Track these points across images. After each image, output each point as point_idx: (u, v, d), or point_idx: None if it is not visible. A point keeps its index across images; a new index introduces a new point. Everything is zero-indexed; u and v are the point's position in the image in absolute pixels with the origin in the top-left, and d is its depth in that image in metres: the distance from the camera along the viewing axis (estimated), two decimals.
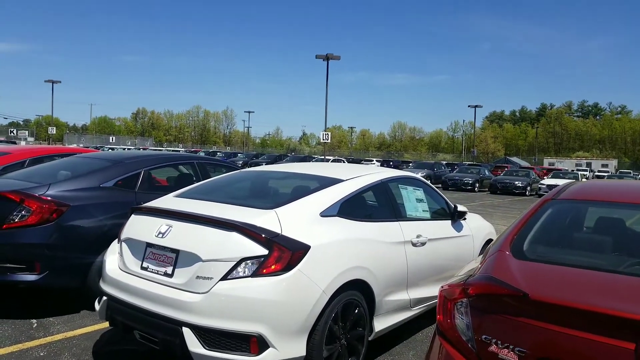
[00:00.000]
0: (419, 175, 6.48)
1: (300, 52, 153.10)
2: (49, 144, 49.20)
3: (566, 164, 67.82)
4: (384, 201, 4.09)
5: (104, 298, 3.37)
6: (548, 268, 2.18)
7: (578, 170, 43.25)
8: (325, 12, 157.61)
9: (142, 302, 3.10)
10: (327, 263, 3.14)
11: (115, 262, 3.48)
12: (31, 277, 4.12)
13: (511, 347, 1.85)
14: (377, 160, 46.94)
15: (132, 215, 3.58)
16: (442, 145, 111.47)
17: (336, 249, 3.26)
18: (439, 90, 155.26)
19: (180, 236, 3.13)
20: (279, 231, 3.03)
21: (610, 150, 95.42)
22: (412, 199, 4.47)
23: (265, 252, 2.93)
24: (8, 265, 4.10)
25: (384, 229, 3.83)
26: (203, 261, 2.95)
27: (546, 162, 75.97)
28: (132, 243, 3.39)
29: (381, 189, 4.11)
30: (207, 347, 2.85)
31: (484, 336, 1.94)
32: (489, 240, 5.63)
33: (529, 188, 26.79)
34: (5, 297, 4.84)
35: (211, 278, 2.91)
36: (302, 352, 2.97)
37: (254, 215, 3.15)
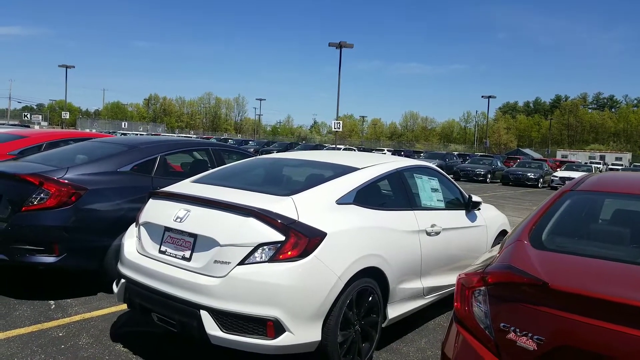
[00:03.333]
0: None
1: (312, 40, 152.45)
2: (62, 128, 49.65)
3: (579, 157, 67.01)
4: (399, 190, 4.09)
5: (122, 281, 3.43)
6: (567, 258, 2.18)
7: (591, 163, 42.75)
8: (338, 0, 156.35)
9: (160, 285, 3.15)
10: (343, 250, 3.16)
11: (134, 245, 3.53)
12: (50, 259, 4.20)
13: (530, 335, 1.86)
14: (388, 150, 46.75)
15: (150, 199, 3.62)
16: (454, 136, 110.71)
17: (352, 236, 3.28)
18: (452, 81, 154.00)
19: (199, 221, 3.16)
20: (295, 218, 3.05)
21: (625, 144, 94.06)
22: (426, 188, 4.46)
23: (282, 238, 2.95)
24: (27, 247, 4.17)
25: (399, 217, 3.83)
26: (221, 246, 2.98)
27: (559, 154, 75.14)
28: (150, 227, 3.44)
29: (396, 177, 4.11)
30: (224, 330, 2.89)
31: (502, 324, 1.95)
32: (503, 231, 5.62)
33: (541, 180, 26.57)
34: (23, 278, 4.94)
35: (229, 262, 2.95)
36: (318, 336, 3.01)
37: (271, 201, 3.17)
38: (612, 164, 59.16)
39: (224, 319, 2.90)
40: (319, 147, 38.48)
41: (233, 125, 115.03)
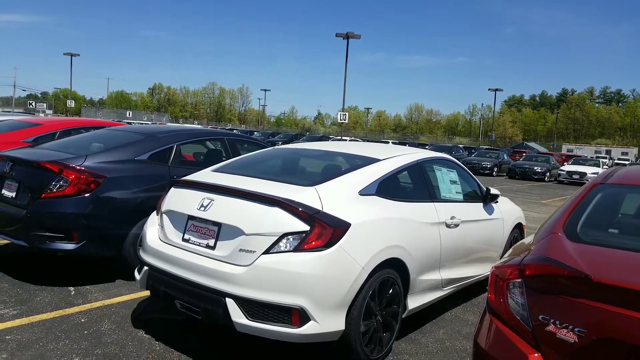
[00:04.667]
0: None
1: (317, 31, 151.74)
2: (67, 116, 49.77)
3: (585, 151, 66.67)
4: (420, 182, 4.08)
5: (145, 268, 3.44)
6: (605, 251, 2.17)
7: (598, 157, 42.53)
8: None
9: (184, 272, 3.16)
10: (367, 241, 3.16)
11: (156, 233, 3.54)
12: (69, 246, 4.22)
13: (570, 327, 1.85)
14: (392, 142, 46.64)
15: (172, 188, 3.63)
16: (459, 129, 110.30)
17: (375, 227, 3.28)
18: (457, 73, 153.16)
19: (223, 210, 3.17)
20: (320, 208, 3.05)
21: (632, 138, 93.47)
22: (446, 180, 4.45)
23: (306, 228, 2.95)
24: (47, 233, 4.19)
25: (420, 209, 3.83)
26: (246, 235, 2.99)
27: (565, 148, 74.71)
28: (173, 215, 3.44)
29: (417, 169, 4.10)
30: (249, 318, 2.91)
31: (541, 316, 1.94)
32: (518, 224, 5.61)
33: (548, 174, 26.45)
34: (42, 264, 4.97)
35: (254, 251, 2.95)
36: (342, 326, 3.02)
37: (295, 191, 3.17)
38: (619, 159, 58.79)
39: (250, 306, 2.91)
40: (323, 138, 38.41)
41: (237, 116, 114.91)
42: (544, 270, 2.00)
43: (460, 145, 46.41)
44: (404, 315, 3.65)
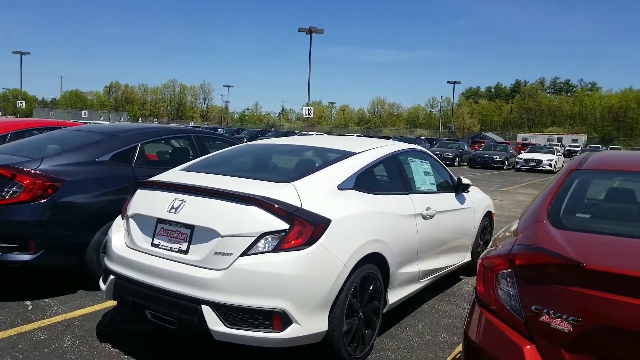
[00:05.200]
0: None
1: (279, 25, 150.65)
2: (17, 118, 47.34)
3: (538, 139, 69.18)
4: (396, 174, 4.01)
5: (111, 277, 3.22)
6: (591, 237, 2.15)
7: (550, 145, 44.12)
8: None
9: (155, 280, 2.96)
10: (347, 237, 3.06)
11: (122, 239, 3.32)
12: (25, 257, 3.92)
13: (564, 316, 1.81)
14: (357, 136, 46.90)
15: (139, 190, 3.41)
16: (419, 121, 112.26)
17: (355, 222, 3.18)
18: (417, 67, 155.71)
19: (195, 211, 2.99)
20: (299, 205, 2.92)
21: (581, 126, 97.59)
22: (420, 171, 4.41)
23: (286, 226, 2.82)
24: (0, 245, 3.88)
25: (397, 202, 3.76)
26: (222, 237, 2.82)
27: (519, 137, 77.34)
28: (140, 219, 3.23)
29: (392, 162, 4.03)
30: (228, 325, 2.75)
31: (533, 306, 1.89)
32: (488, 213, 5.67)
33: (506, 162, 27.23)
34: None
35: (231, 254, 2.79)
36: (325, 326, 2.91)
37: (271, 188, 3.02)
38: (570, 146, 61.35)
39: (228, 313, 2.76)
40: (289, 133, 38.23)
41: (199, 113, 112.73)
42: (534, 259, 1.96)
43: (423, 137, 47.20)
44: (384, 310, 3.58)
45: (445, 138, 47.46)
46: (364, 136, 45.17)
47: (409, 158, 4.34)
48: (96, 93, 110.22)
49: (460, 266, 4.95)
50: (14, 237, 3.88)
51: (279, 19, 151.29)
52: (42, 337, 3.43)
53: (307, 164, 3.79)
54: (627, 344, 1.74)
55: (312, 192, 3.09)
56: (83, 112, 59.78)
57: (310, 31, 30.05)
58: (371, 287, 3.30)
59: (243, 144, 4.63)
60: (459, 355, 3.48)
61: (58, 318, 3.77)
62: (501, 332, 1.96)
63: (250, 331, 2.75)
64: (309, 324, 2.82)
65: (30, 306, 3.98)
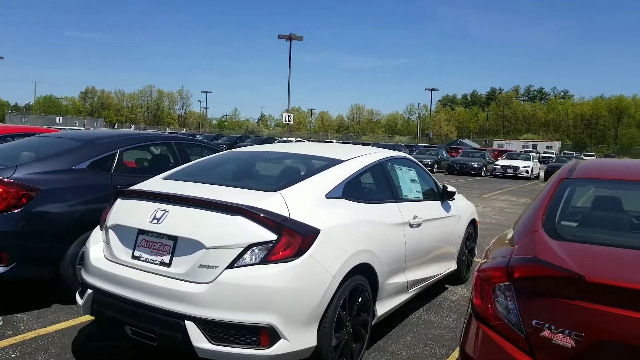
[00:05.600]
0: None
1: (258, 31, 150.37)
2: None
3: (514, 146, 70.49)
4: (383, 182, 3.96)
5: (89, 291, 3.06)
6: (590, 248, 2.11)
7: (526, 151, 44.94)
8: None
9: (136, 294, 2.83)
10: (337, 247, 2.98)
11: (101, 250, 3.17)
12: None
13: (567, 331, 1.76)
14: (337, 142, 46.97)
15: (119, 199, 3.27)
16: (398, 128, 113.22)
17: (344, 232, 3.10)
18: (395, 74, 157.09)
19: (179, 222, 2.87)
20: (287, 214, 2.83)
21: (555, 133, 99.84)
22: (406, 179, 4.37)
23: (274, 237, 2.72)
24: None
25: (385, 210, 3.70)
26: (207, 248, 2.71)
27: (495, 143, 78.60)
28: (120, 230, 3.09)
29: (379, 169, 3.97)
30: (213, 342, 2.63)
31: (534, 321, 1.84)
32: (473, 220, 5.66)
33: (484, 169, 27.58)
34: None
35: (216, 267, 2.68)
36: (313, 342, 2.82)
37: (258, 197, 2.93)
38: (544, 152, 62.61)
39: (213, 329, 2.64)
40: (268, 140, 38.01)
41: (177, 119, 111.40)
42: (534, 271, 1.90)
43: (402, 144, 47.54)
44: (373, 323, 3.50)
45: (423, 145, 47.88)
46: (344, 142, 45.39)
47: (395, 165, 4.29)
48: (71, 99, 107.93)
49: (446, 275, 4.92)
50: None
51: (258, 26, 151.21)
52: (13, 356, 3.25)
53: (293, 172, 3.70)
54: (632, 359, 1.69)
55: (300, 201, 3.00)
56: (57, 118, 58.36)
57: (290, 38, 30.06)
58: (360, 299, 3.23)
59: (226, 151, 4.51)
60: None
61: (31, 334, 3.58)
62: (501, 349, 1.90)
63: (237, 348, 2.63)
64: (298, 339, 2.73)
65: (1, 322, 3.77)
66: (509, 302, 1.94)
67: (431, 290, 4.94)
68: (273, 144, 4.90)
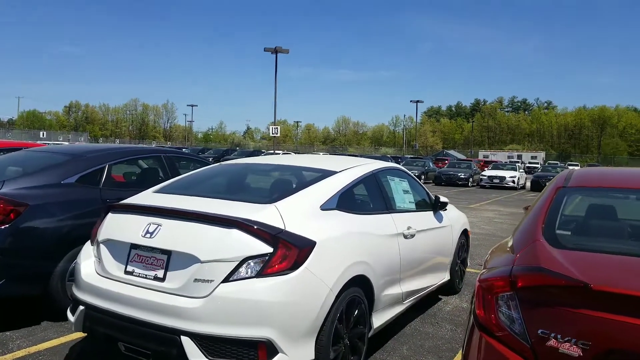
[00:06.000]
0: None
1: (244, 45, 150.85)
2: None
3: (499, 156, 71.10)
4: (376, 193, 3.96)
5: (81, 307, 3.00)
6: (592, 256, 2.13)
7: (511, 162, 45.46)
8: (269, 6, 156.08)
9: (129, 310, 2.78)
10: (333, 259, 2.96)
11: (92, 266, 3.11)
12: None
13: (573, 340, 1.76)
14: (323, 154, 47.07)
15: (110, 213, 3.22)
16: (384, 139, 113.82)
17: (340, 244, 3.09)
18: (380, 86, 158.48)
19: (172, 235, 2.83)
20: (282, 227, 2.82)
21: (539, 143, 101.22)
22: (399, 190, 4.37)
23: (269, 250, 2.70)
24: None
25: (379, 221, 3.70)
26: (202, 262, 2.68)
27: (481, 154, 79.30)
28: (112, 245, 3.04)
29: (372, 180, 3.98)
30: (209, 357, 2.59)
31: (540, 330, 1.84)
32: (464, 230, 5.68)
33: (471, 179, 27.80)
34: None
35: (211, 280, 2.65)
36: (311, 355, 2.79)
37: (253, 210, 2.90)
38: (529, 162, 63.34)
39: (209, 344, 2.60)
40: (255, 153, 37.94)
41: (162, 133, 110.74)
42: (538, 281, 1.91)
43: (388, 155, 47.82)
44: (369, 335, 3.48)
45: (409, 156, 48.22)
46: (331, 154, 45.53)
47: (388, 176, 4.30)
48: (55, 113, 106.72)
49: (440, 286, 4.92)
50: None
51: (243, 39, 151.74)
52: None
53: (287, 183, 3.69)
54: None
55: (295, 213, 2.99)
56: (41, 133, 57.58)
57: (276, 51, 30.20)
58: (357, 312, 3.21)
59: (217, 164, 4.49)
60: None
61: (21, 353, 3.48)
62: (504, 358, 1.89)
63: None
64: (296, 353, 2.70)
65: None
66: (513, 311, 1.94)
67: (425, 302, 4.93)
68: (264, 156, 4.89)
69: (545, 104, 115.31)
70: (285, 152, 40.87)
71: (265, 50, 30.43)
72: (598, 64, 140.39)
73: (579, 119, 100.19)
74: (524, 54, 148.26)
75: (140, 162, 5.37)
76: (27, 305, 4.19)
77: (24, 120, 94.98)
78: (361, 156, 36.77)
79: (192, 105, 78.96)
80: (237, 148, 61.30)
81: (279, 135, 30.65)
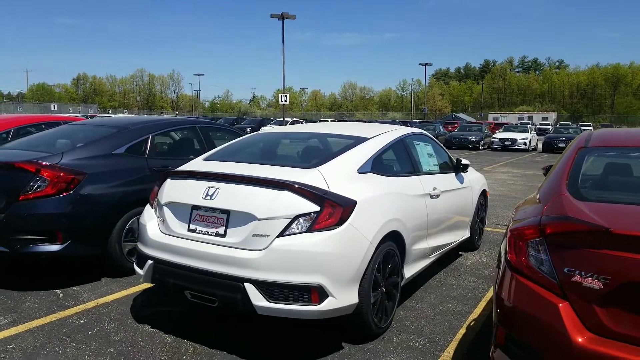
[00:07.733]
0: None
1: (247, 12, 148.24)
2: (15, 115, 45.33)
3: (509, 118, 70.39)
4: (405, 157, 4.27)
5: (149, 262, 3.39)
6: (613, 207, 2.45)
7: (522, 123, 45.14)
8: None
9: (195, 262, 3.16)
10: (371, 217, 3.31)
11: (156, 226, 3.49)
12: (54, 248, 4.05)
13: (595, 276, 2.10)
14: (331, 121, 47.00)
15: (169, 179, 3.57)
16: (391, 104, 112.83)
17: (376, 203, 3.43)
18: (386, 49, 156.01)
19: (231, 197, 3.18)
20: (327, 188, 3.15)
21: (550, 104, 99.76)
22: (424, 154, 4.68)
23: (317, 208, 3.05)
24: (29, 237, 4.00)
25: (408, 183, 4.03)
26: (259, 220, 3.04)
27: (490, 117, 78.41)
28: (175, 207, 3.41)
29: (401, 145, 4.28)
30: (270, 300, 2.98)
31: (566, 269, 2.17)
32: (483, 191, 6.00)
33: (482, 142, 27.82)
34: (14, 269, 4.72)
35: (268, 235, 3.02)
36: (356, 299, 3.17)
37: (299, 174, 3.24)
38: (540, 124, 62.66)
39: (269, 289, 2.98)
40: (264, 121, 38.06)
41: (169, 103, 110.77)
42: (565, 227, 2.23)
43: (397, 120, 47.60)
44: (402, 284, 3.86)
45: (418, 120, 47.95)
46: (337, 121, 45.39)
47: (414, 141, 4.60)
48: (64, 85, 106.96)
49: (460, 243, 5.28)
50: (42, 229, 4.01)
51: (246, 6, 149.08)
52: (82, 322, 3.60)
53: (324, 150, 4.01)
54: None
55: (336, 176, 3.32)
56: (52, 106, 57.84)
57: (282, 17, 29.91)
58: (391, 263, 3.58)
59: (256, 132, 4.81)
60: (472, 323, 3.80)
61: (91, 304, 3.93)
62: (536, 293, 2.24)
63: (291, 305, 2.98)
64: (343, 297, 3.08)
65: (61, 294, 4.13)
66: (542, 254, 2.27)
67: (447, 257, 5.31)
68: (300, 124, 5.17)
69: (557, 63, 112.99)
70: (295, 119, 40.89)
71: (272, 16, 30.15)
72: (612, 21, 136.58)
73: (592, 78, 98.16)
74: (535, 11, 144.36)
75: (178, 132, 5.71)
76: (86, 264, 4.63)
77: (33, 93, 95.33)
78: (369, 122, 36.72)
79: (198, 75, 78.88)
80: (244, 116, 61.18)
81: (287, 102, 30.74)
